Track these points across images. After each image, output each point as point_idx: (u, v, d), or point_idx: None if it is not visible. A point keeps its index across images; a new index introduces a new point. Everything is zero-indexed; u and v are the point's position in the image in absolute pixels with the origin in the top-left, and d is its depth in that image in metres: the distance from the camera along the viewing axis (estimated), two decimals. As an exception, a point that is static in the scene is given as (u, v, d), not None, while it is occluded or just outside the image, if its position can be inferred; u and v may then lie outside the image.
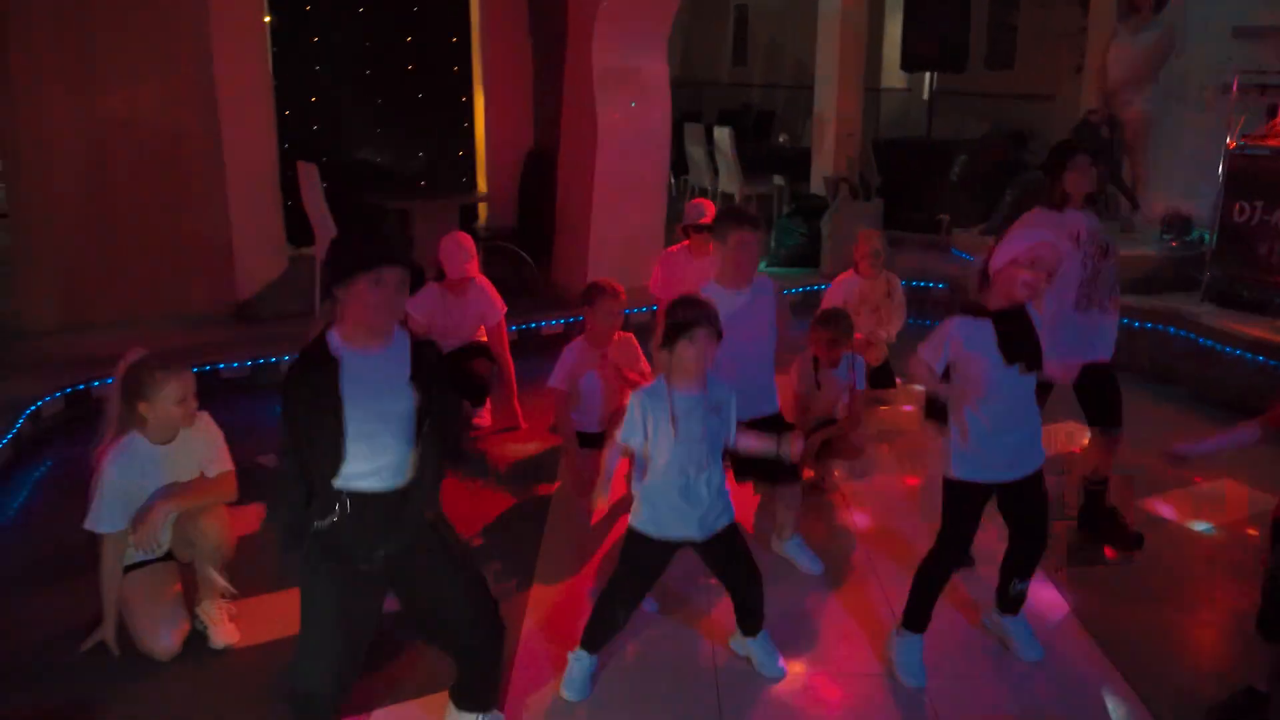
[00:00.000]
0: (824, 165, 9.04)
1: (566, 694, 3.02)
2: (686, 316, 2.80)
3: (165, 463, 3.19)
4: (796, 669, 3.19)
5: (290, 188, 6.60)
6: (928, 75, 9.77)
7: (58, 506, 4.41)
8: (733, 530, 2.97)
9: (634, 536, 2.96)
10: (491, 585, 2.79)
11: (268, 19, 6.57)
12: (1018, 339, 2.90)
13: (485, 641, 2.70)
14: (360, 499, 2.44)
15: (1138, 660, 3.26)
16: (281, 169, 6.67)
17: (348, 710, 2.82)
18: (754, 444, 3.00)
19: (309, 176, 6.23)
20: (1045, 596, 3.61)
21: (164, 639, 3.20)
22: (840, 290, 5.43)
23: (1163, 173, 7.32)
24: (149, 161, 6.32)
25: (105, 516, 3.11)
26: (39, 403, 5.09)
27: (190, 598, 3.36)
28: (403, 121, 7.60)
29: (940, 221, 7.50)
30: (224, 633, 3.28)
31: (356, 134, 7.48)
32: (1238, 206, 5.93)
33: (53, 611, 3.49)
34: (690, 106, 14.66)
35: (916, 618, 3.12)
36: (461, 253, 4.93)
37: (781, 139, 11.60)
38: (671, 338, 2.80)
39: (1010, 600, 3.23)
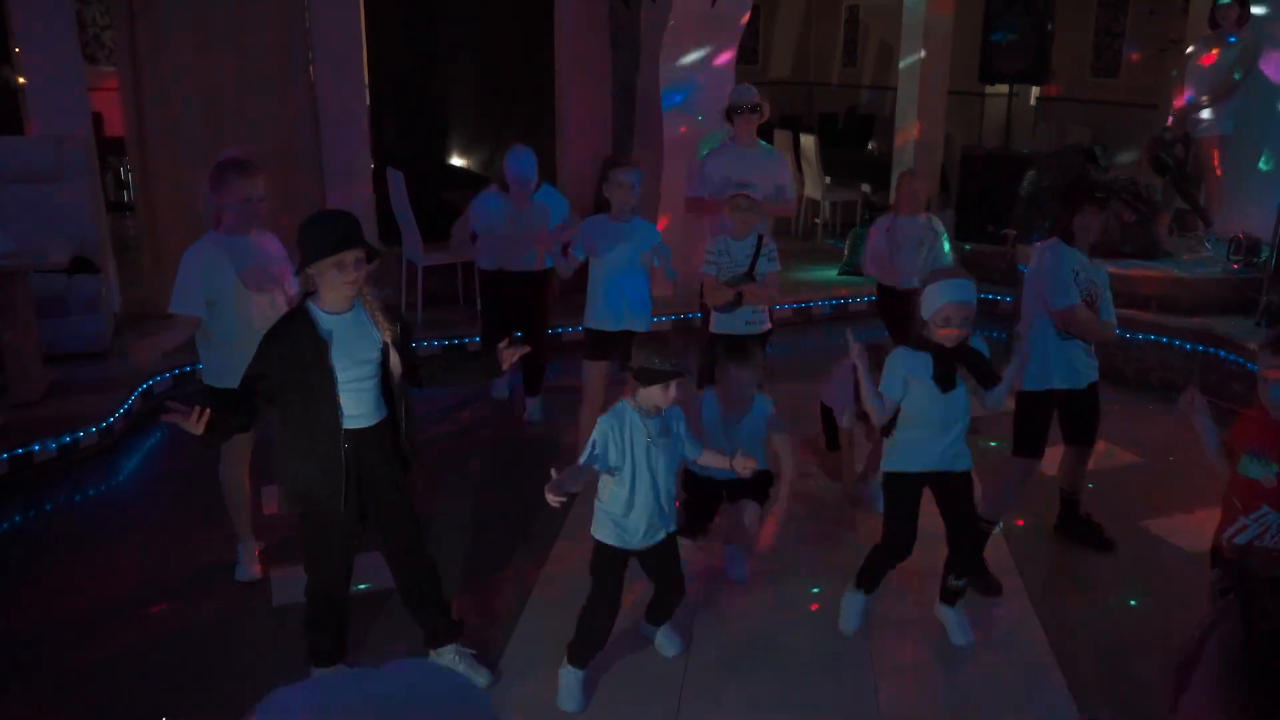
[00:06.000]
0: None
1: (565, 706, 3.26)
2: (665, 366, 3.07)
3: (235, 252, 3.66)
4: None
5: (382, 191, 7.18)
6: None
7: (162, 474, 5.14)
8: (673, 540, 3.33)
9: (599, 549, 3.26)
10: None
11: (365, 35, 7.15)
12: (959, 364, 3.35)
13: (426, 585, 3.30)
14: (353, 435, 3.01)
15: (1084, 661, 3.52)
16: (374, 175, 7.25)
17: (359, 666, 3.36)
18: (713, 459, 3.35)
19: (396, 182, 6.80)
20: (1010, 585, 3.99)
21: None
22: (880, 230, 5.43)
23: (1242, 193, 7.21)
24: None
25: (180, 299, 3.62)
26: (150, 380, 5.79)
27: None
28: (488, 131, 8.11)
29: (1005, 236, 7.57)
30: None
31: (444, 142, 8.03)
32: (1296, 231, 5.88)
33: (139, 554, 4.22)
34: (800, 108, 14.82)
35: (865, 580, 3.65)
36: (521, 162, 5.35)
37: (870, 146, 11.68)
38: (648, 381, 3.08)
39: (949, 593, 3.60)
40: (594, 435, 3.12)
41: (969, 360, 3.37)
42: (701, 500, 3.95)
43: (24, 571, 4.16)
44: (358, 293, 2.98)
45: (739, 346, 3.97)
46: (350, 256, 2.89)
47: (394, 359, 3.03)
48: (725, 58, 7.18)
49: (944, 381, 3.33)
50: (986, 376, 3.40)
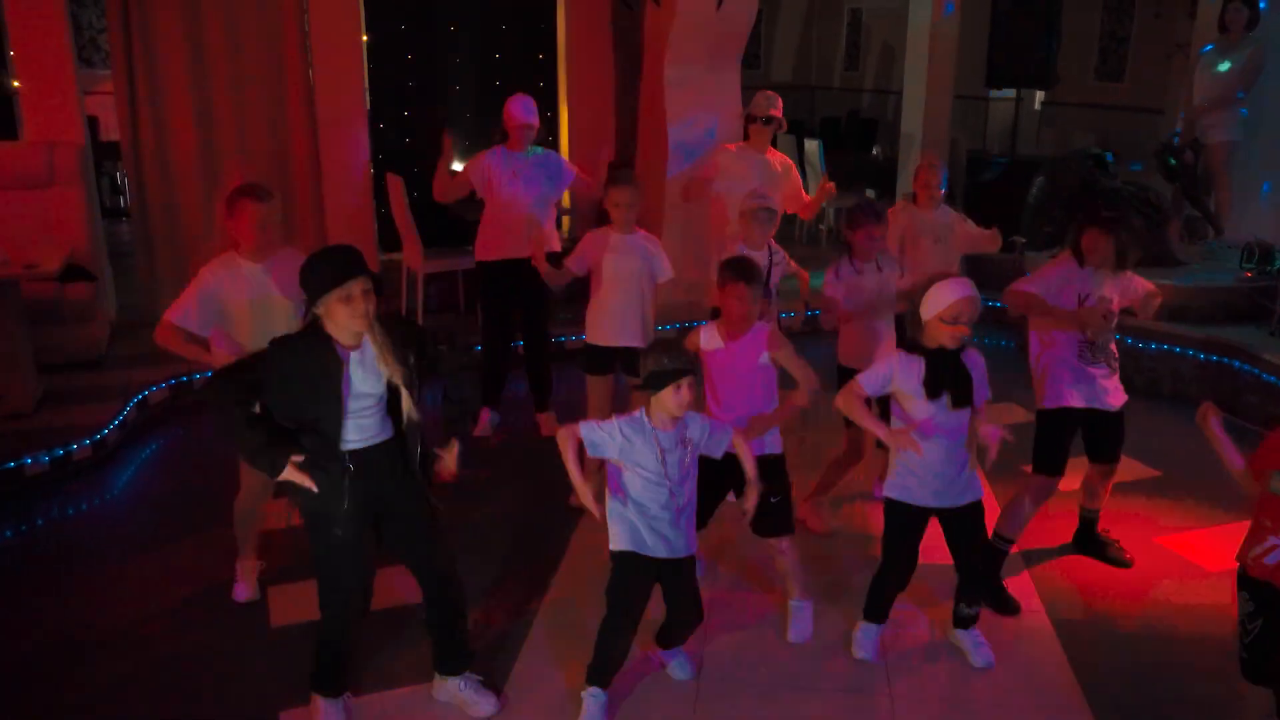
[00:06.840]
0: (908, 181, 9.05)
1: None
2: (674, 365, 2.97)
3: (253, 278, 3.61)
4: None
5: (382, 197, 7.08)
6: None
7: (157, 487, 5.03)
8: (693, 561, 3.20)
9: (619, 560, 3.13)
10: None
11: (364, 38, 7.05)
12: (947, 377, 3.24)
13: (445, 603, 3.20)
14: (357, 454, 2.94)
15: (1105, 682, 3.44)
16: (375, 179, 7.14)
17: (363, 690, 3.29)
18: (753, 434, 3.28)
19: (397, 188, 6.69)
20: (1029, 604, 3.90)
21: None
22: (895, 223, 4.79)
23: (1252, 200, 7.12)
24: (256, 171, 6.89)
25: (187, 311, 3.55)
26: (146, 391, 5.68)
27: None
28: (490, 135, 8.00)
29: (1014, 244, 7.45)
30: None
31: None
32: (1311, 239, 5.79)
33: (134, 571, 4.13)
34: (801, 112, 14.71)
35: (873, 611, 3.57)
36: (524, 106, 5.17)
37: (875, 151, 11.58)
38: (657, 384, 2.97)
39: (961, 620, 3.55)
40: (606, 425, 3.05)
41: (958, 374, 3.25)
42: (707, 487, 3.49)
43: (13, 589, 4.05)
44: (368, 327, 2.88)
45: None
46: (357, 288, 2.80)
47: (405, 401, 2.95)
48: (731, 61, 7.08)
49: (931, 389, 3.22)
50: (965, 398, 3.27)
